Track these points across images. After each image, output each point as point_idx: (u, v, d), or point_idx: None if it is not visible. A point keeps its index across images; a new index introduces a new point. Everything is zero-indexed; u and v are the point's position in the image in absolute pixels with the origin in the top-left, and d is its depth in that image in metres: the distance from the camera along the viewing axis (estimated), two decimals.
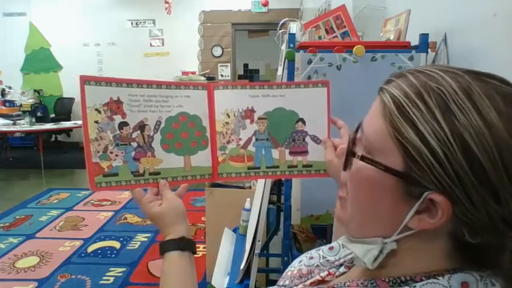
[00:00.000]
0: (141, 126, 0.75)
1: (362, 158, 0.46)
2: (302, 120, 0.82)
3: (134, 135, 0.75)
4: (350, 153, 0.48)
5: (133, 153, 0.75)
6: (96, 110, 0.71)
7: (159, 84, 0.76)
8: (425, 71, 0.44)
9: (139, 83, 0.75)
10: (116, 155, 0.73)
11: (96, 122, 0.71)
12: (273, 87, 0.81)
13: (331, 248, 0.64)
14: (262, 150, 0.82)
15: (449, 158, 0.39)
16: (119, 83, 0.73)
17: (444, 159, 0.39)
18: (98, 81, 0.72)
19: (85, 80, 0.71)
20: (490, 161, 0.38)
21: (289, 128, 0.82)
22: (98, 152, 0.72)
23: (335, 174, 0.76)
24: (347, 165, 0.49)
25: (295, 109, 0.81)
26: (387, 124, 0.43)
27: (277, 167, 0.82)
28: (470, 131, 0.38)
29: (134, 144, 0.75)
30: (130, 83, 0.74)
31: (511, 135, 0.38)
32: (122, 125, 0.74)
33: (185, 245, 0.69)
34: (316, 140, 0.82)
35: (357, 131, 0.51)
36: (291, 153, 0.83)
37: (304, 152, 0.83)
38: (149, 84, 0.76)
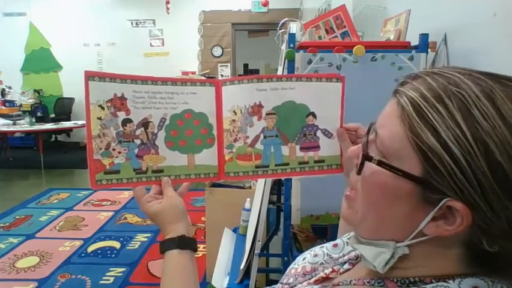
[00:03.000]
0: (145, 123, 0.74)
1: (379, 163, 0.45)
2: (313, 114, 0.78)
3: (137, 132, 0.73)
4: (366, 157, 0.46)
5: (136, 151, 0.73)
6: (100, 106, 0.70)
7: (164, 81, 0.75)
8: (442, 72, 0.43)
9: (144, 80, 0.73)
10: (119, 152, 0.72)
11: (99, 118, 0.70)
12: (282, 79, 0.77)
13: (335, 245, 0.63)
14: (271, 147, 0.78)
15: (472, 165, 0.38)
16: (123, 79, 0.72)
17: (466, 166, 0.38)
18: (103, 77, 0.71)
19: (89, 76, 0.70)
20: None
21: (299, 123, 0.78)
22: (101, 149, 0.71)
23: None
24: (361, 169, 0.47)
25: (306, 102, 0.77)
26: (406, 128, 0.42)
27: (287, 164, 0.78)
28: (494, 139, 0.37)
29: (138, 142, 0.74)
30: (134, 79, 0.73)
31: None
32: (126, 121, 0.72)
33: (186, 243, 0.69)
34: (327, 134, 0.78)
35: (368, 132, 0.49)
36: (301, 149, 0.78)
37: (316, 147, 0.78)
38: (154, 80, 0.74)
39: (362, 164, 0.47)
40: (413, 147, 0.41)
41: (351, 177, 0.52)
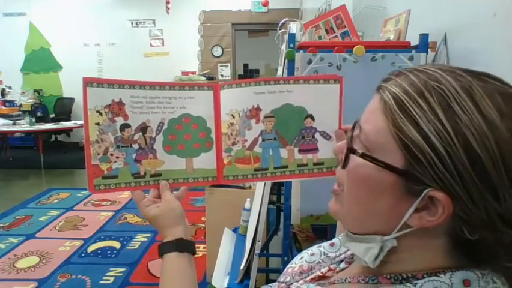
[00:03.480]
0: (143, 128, 0.74)
1: (363, 156, 0.46)
2: (311, 117, 0.77)
3: (135, 137, 0.74)
4: (350, 151, 0.48)
5: (134, 155, 0.74)
6: (97, 112, 0.71)
7: (162, 86, 0.75)
8: (424, 69, 0.44)
9: (142, 85, 0.74)
10: (117, 157, 0.73)
11: (97, 124, 0.71)
12: (280, 82, 0.76)
13: (332, 244, 0.64)
14: (269, 150, 0.78)
15: (452, 156, 0.39)
16: (121, 84, 0.73)
17: (446, 158, 0.39)
18: (101, 83, 0.71)
19: (87, 82, 0.70)
20: (492, 161, 0.39)
21: (297, 125, 0.78)
22: (99, 154, 0.71)
23: None
24: (346, 162, 0.49)
25: (304, 105, 0.77)
26: (389, 123, 0.43)
27: (286, 166, 0.79)
28: (472, 131, 0.39)
29: (136, 146, 0.74)
30: (132, 85, 0.73)
31: None
32: (124, 126, 0.73)
33: (184, 246, 0.69)
34: (326, 136, 0.78)
35: (353, 128, 0.51)
36: (300, 151, 0.78)
37: (314, 150, 0.78)
38: (152, 85, 0.75)
39: (346, 158, 0.49)
40: (396, 140, 0.42)
41: (337, 173, 0.54)
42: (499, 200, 0.40)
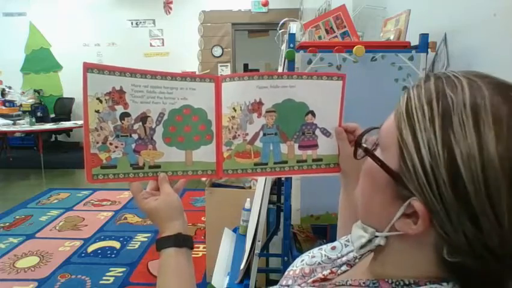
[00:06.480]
0: (143, 118, 0.73)
1: (365, 151, 0.50)
2: (312, 113, 0.78)
3: (135, 126, 0.72)
4: (358, 144, 0.54)
5: (133, 145, 0.72)
6: (97, 99, 0.69)
7: (164, 75, 0.73)
8: (451, 76, 0.42)
9: (143, 73, 0.72)
10: (116, 147, 0.71)
11: (97, 111, 0.69)
12: (283, 77, 0.76)
13: (333, 248, 0.63)
14: (270, 145, 0.78)
15: (435, 170, 0.38)
16: (122, 72, 0.71)
17: (429, 170, 0.39)
18: (101, 69, 0.70)
19: (88, 68, 0.69)
20: (474, 185, 0.37)
21: (298, 121, 0.78)
22: (98, 142, 0.69)
23: (349, 169, 0.77)
24: (355, 153, 0.56)
25: (305, 101, 0.77)
26: (395, 124, 0.44)
27: (286, 162, 0.79)
28: (461, 149, 0.37)
29: (135, 136, 0.72)
30: (133, 73, 0.72)
31: (502, 166, 0.36)
32: (124, 115, 0.71)
33: (182, 241, 0.68)
34: (326, 132, 0.79)
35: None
36: (300, 147, 0.79)
37: (314, 146, 0.79)
38: (153, 75, 0.73)
39: (355, 150, 0.57)
40: (397, 141, 0.43)
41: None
42: (481, 228, 0.37)
